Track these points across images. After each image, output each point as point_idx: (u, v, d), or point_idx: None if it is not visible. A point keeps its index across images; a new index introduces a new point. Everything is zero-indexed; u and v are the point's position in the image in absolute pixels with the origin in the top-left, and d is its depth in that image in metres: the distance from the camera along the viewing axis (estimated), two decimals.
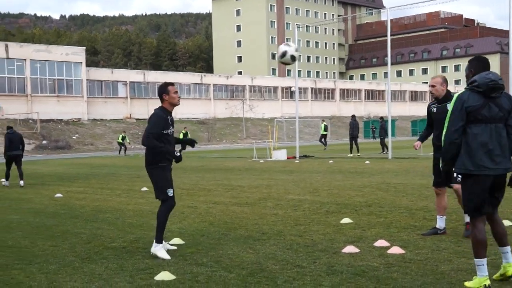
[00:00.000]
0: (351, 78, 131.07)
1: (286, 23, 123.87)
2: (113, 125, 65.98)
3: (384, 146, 32.49)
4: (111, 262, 6.73)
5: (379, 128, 33.18)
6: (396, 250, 6.81)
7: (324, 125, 42.27)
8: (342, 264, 6.25)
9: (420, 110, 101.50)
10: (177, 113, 73.14)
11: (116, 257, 6.98)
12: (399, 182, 15.29)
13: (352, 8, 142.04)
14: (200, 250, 7.26)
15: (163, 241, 7.15)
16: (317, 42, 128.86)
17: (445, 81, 7.79)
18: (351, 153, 31.76)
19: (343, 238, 7.77)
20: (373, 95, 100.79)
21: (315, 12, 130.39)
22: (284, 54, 7.95)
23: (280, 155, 30.14)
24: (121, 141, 44.05)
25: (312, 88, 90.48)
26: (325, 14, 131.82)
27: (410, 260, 6.35)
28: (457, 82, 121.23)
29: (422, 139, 8.43)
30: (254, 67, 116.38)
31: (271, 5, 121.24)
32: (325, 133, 41.96)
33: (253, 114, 78.86)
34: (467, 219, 7.50)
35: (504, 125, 5.17)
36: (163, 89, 7.25)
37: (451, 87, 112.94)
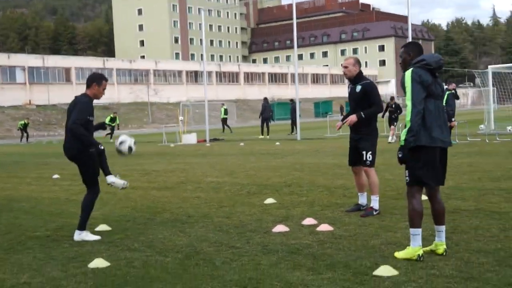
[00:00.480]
0: (254, 61, 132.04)
1: (188, 7, 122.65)
2: (12, 112, 63.10)
3: (293, 127, 33.04)
4: (38, 252, 6.45)
5: (290, 110, 33.65)
6: (324, 227, 6.95)
7: (224, 109, 42.27)
8: (276, 243, 6.31)
9: (321, 92, 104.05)
10: None
11: (42, 247, 6.70)
12: (312, 162, 15.60)
13: None
14: (129, 236, 7.11)
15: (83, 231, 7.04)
16: (219, 26, 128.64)
17: (357, 62, 7.97)
18: (262, 135, 32.03)
19: (271, 218, 7.84)
20: (276, 78, 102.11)
21: None
22: (122, 142, 7.86)
23: (190, 138, 29.98)
24: (21, 127, 42.29)
25: (216, 72, 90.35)
26: None
27: (340, 236, 6.50)
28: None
29: (344, 119, 8.56)
30: (157, 51, 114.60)
31: None
32: (225, 116, 41.93)
33: (158, 99, 77.89)
34: (374, 204, 7.75)
35: (441, 102, 5.45)
36: (97, 80, 7.08)
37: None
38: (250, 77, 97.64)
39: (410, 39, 25.83)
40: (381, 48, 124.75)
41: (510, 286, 4.45)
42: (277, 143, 25.43)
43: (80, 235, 6.95)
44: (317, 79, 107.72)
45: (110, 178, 7.40)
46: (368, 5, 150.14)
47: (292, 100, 33.33)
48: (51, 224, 8.14)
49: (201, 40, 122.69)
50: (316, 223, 7.25)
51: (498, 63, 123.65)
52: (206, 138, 30.80)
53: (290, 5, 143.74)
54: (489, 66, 27.41)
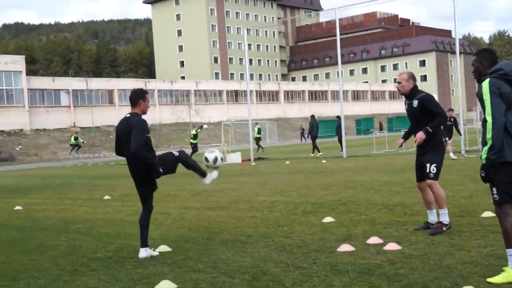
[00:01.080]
0: (293, 79, 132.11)
1: (227, 26, 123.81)
2: (57, 134, 64.28)
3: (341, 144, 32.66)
4: (102, 273, 6.41)
5: (336, 127, 33.27)
6: (392, 246, 6.73)
7: (258, 128, 42.14)
8: (344, 263, 6.12)
9: (362, 109, 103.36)
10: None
11: (106, 268, 6.66)
12: (363, 180, 15.34)
13: (291, 11, 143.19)
14: (191, 257, 7.01)
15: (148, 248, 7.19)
16: (258, 45, 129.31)
17: (411, 77, 7.73)
18: (313, 153, 31.48)
19: (333, 237, 7.65)
20: (316, 96, 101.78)
21: (255, 15, 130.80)
22: (207, 167, 7.84)
23: (235, 158, 29.99)
24: (74, 142, 44.77)
25: (256, 91, 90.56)
26: (265, 16, 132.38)
27: (411, 256, 6.28)
28: (396, 80, 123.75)
29: (406, 137, 8.30)
30: (197, 72, 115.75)
31: (211, 9, 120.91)
32: (258, 136, 41.71)
33: (200, 119, 78.37)
34: (443, 218, 7.46)
35: None
36: (141, 95, 7.15)
37: (391, 86, 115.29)
38: (290, 96, 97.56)
39: (457, 53, 25.44)
40: (422, 63, 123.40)
41: None
42: (323, 161, 25.19)
43: (147, 252, 7.07)
44: (357, 96, 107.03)
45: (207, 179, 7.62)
46: (408, 20, 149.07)
47: (338, 117, 32.94)
48: (111, 246, 8.11)
49: (240, 59, 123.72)
50: (382, 242, 7.04)
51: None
52: (250, 157, 30.74)
53: (328, 22, 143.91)
54: None
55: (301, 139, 67.35)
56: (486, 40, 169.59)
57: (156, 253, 7.20)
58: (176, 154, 7.26)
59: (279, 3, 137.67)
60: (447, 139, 21.12)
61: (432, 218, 7.78)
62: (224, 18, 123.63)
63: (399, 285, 5.17)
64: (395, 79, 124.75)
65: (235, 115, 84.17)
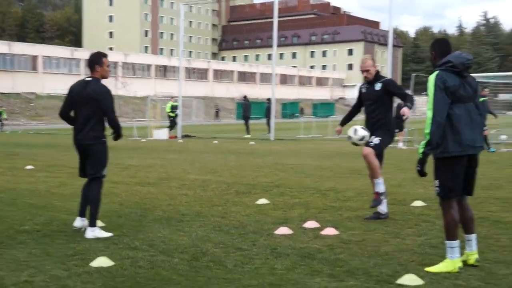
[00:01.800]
0: (223, 59, 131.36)
1: (160, 0, 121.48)
2: None
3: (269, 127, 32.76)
4: (32, 247, 6.09)
5: (265, 109, 33.36)
6: (329, 231, 6.75)
7: (172, 104, 40.57)
8: (284, 246, 6.08)
9: (289, 93, 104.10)
10: (45, 88, 69.65)
11: (35, 242, 6.34)
12: (294, 163, 15.42)
13: None
14: (126, 233, 6.79)
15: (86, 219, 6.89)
16: (190, 22, 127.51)
17: (374, 60, 7.67)
18: (248, 133, 31.22)
19: (269, 220, 7.61)
20: (245, 77, 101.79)
21: None
22: (348, 138, 7.65)
23: (162, 134, 29.56)
24: None
25: (186, 68, 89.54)
26: None
27: (349, 241, 6.31)
28: (323, 67, 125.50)
29: (343, 122, 8.26)
30: (126, 44, 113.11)
31: None
32: (170, 112, 39.96)
33: (126, 92, 76.83)
34: (378, 188, 7.45)
35: (473, 104, 5.20)
36: (97, 59, 6.79)
37: (318, 72, 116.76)
38: (219, 75, 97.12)
39: (390, 45, 25.95)
40: (350, 52, 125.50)
41: None
42: (252, 143, 25.22)
43: (93, 232, 6.60)
44: (285, 80, 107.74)
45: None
46: (339, 8, 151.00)
47: (269, 100, 32.94)
48: (39, 218, 7.75)
49: (171, 34, 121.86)
50: (319, 226, 7.06)
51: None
52: (177, 134, 30.38)
53: (262, 4, 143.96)
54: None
55: (215, 118, 65.72)
56: (412, 34, 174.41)
57: (106, 234, 6.60)
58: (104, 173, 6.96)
59: None
60: (397, 130, 21.04)
61: (381, 187, 7.65)
62: None
63: (341, 270, 5.17)
64: (323, 66, 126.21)
65: (162, 90, 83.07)
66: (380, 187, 7.50)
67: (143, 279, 4.94)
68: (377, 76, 7.63)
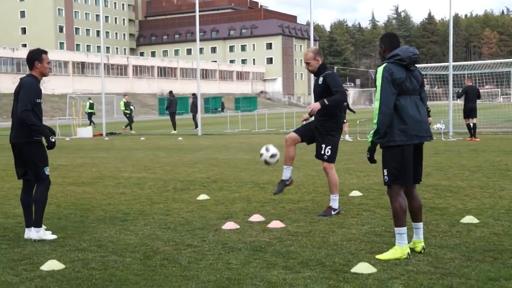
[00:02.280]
0: (142, 54, 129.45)
1: None
2: None
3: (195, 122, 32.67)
4: None
5: (191, 104, 33.22)
6: (276, 224, 6.85)
7: (90, 102, 40.13)
8: (234, 241, 6.12)
9: (210, 87, 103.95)
10: None
11: None
12: (226, 158, 15.47)
13: None
14: (71, 235, 6.64)
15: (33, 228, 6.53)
16: (107, 17, 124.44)
17: (317, 53, 7.62)
18: (174, 129, 30.92)
19: (214, 215, 7.63)
20: (165, 72, 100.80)
21: None
22: (260, 155, 7.55)
23: (86, 132, 28.89)
24: None
25: (105, 64, 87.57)
26: None
27: (296, 233, 6.43)
28: (243, 61, 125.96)
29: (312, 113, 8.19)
30: (40, 40, 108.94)
31: None
32: (91, 110, 39.35)
33: (43, 90, 73.92)
34: (333, 203, 7.48)
35: (419, 96, 5.42)
36: (36, 56, 6.54)
37: (239, 66, 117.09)
38: (139, 70, 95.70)
39: (312, 39, 26.38)
40: (269, 46, 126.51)
41: (491, 280, 4.56)
42: (180, 138, 25.07)
43: (38, 234, 6.39)
44: (206, 74, 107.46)
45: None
46: (257, 3, 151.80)
47: (194, 95, 32.79)
48: None
49: (87, 30, 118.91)
50: (265, 220, 7.15)
51: (376, 64, 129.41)
52: (102, 132, 29.78)
53: None
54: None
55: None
56: (328, 28, 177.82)
57: (51, 236, 6.46)
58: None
59: None
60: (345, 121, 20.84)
61: (287, 174, 7.70)
62: None
63: (295, 262, 5.27)
64: (243, 60, 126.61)
65: (80, 87, 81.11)
66: (336, 203, 7.48)
67: (99, 280, 4.86)
68: (321, 70, 7.61)
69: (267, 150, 7.60)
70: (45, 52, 6.66)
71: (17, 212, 8.12)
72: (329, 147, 7.49)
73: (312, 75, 8.02)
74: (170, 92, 32.51)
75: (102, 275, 5.01)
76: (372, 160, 5.45)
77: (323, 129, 7.54)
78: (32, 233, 6.42)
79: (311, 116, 7.61)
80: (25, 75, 6.63)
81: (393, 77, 5.22)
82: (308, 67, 7.67)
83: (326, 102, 7.25)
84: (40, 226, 6.47)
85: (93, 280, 4.87)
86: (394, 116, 5.25)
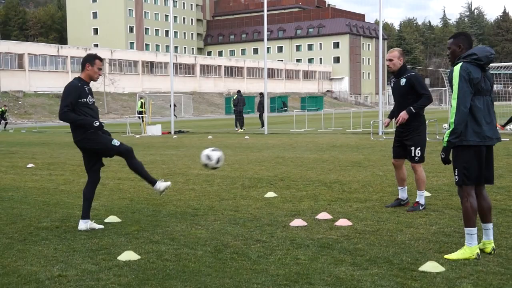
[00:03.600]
0: (209, 54, 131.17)
1: None
2: None
3: (262, 121, 33.07)
4: (56, 243, 6.22)
5: (258, 104, 33.59)
6: (343, 222, 6.93)
7: (141, 101, 40.66)
8: (302, 238, 6.25)
9: (277, 86, 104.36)
10: (32, 86, 69.28)
11: (58, 238, 6.47)
12: (293, 156, 15.60)
13: None
14: (145, 228, 6.93)
15: (89, 220, 7.03)
16: (175, 17, 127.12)
17: (402, 54, 7.73)
18: (236, 127, 31.52)
19: (281, 212, 7.78)
20: (232, 72, 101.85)
21: None
22: (205, 165, 7.56)
23: (155, 130, 29.63)
24: None
25: (173, 63, 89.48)
26: None
27: (364, 232, 6.49)
28: (310, 60, 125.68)
29: (391, 116, 8.18)
30: (111, 40, 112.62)
31: None
32: (141, 109, 40.04)
33: (114, 89, 76.56)
34: (420, 199, 7.69)
35: (490, 97, 5.40)
36: (90, 59, 6.95)
37: (305, 66, 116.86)
38: (206, 70, 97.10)
39: (380, 38, 26.15)
40: (336, 45, 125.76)
41: None
42: (246, 137, 25.37)
43: (86, 224, 6.85)
44: (272, 73, 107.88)
45: None
46: (324, 2, 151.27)
47: (261, 94, 33.08)
48: (55, 215, 7.88)
49: (156, 30, 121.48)
50: (332, 218, 7.24)
51: (447, 64, 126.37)
52: (171, 130, 30.46)
53: None
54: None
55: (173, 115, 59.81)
56: (397, 27, 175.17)
57: (99, 226, 6.94)
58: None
59: None
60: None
61: (403, 194, 7.98)
62: None
63: (363, 259, 5.35)
64: (309, 59, 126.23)
65: (149, 86, 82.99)
66: (423, 200, 7.71)
67: (173, 271, 5.09)
68: (403, 71, 7.67)
69: (209, 158, 7.50)
70: (100, 58, 7.01)
71: (94, 205, 8.48)
72: (418, 148, 7.64)
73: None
74: (238, 91, 32.91)
75: (176, 266, 5.24)
76: (447, 160, 5.43)
77: (408, 129, 7.63)
78: (80, 225, 6.89)
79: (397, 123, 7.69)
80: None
81: (470, 76, 5.18)
82: (390, 64, 7.67)
83: (413, 110, 7.40)
84: (86, 218, 6.92)
85: (167, 271, 5.10)
86: (469, 116, 5.24)
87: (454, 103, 5.22)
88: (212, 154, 7.47)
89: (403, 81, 7.62)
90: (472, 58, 5.23)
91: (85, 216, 6.95)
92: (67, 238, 6.47)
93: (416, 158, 7.67)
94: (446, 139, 5.31)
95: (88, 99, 6.86)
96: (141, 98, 42.55)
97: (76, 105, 6.74)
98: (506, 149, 16.31)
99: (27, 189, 10.56)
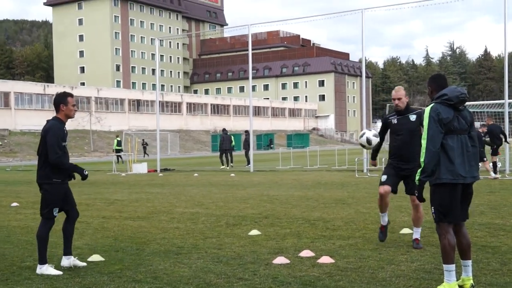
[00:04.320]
0: (195, 92, 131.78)
1: (131, 35, 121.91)
2: None
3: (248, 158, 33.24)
4: (38, 282, 6.21)
5: (243, 141, 33.78)
6: (325, 259, 6.98)
7: (117, 140, 42.62)
8: (284, 275, 6.29)
9: (263, 124, 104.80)
10: (18, 124, 69.13)
11: (40, 278, 6.45)
12: (278, 194, 15.66)
13: (196, 24, 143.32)
14: (128, 267, 6.93)
15: (71, 256, 7.01)
16: (162, 56, 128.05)
17: (405, 92, 7.97)
18: (222, 165, 31.81)
19: (264, 250, 7.81)
20: (218, 110, 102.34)
21: (160, 25, 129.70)
22: (362, 135, 7.60)
23: (141, 168, 29.60)
24: None
25: (159, 101, 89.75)
26: (169, 28, 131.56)
27: (345, 269, 6.54)
28: (296, 98, 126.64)
29: (375, 156, 8.36)
30: (98, 79, 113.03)
31: (115, 16, 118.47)
32: (118, 147, 42.00)
33: (100, 127, 76.52)
34: (416, 235, 7.78)
35: (468, 136, 5.51)
36: (62, 99, 6.95)
37: (291, 103, 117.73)
38: (193, 108, 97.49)
39: (363, 76, 26.57)
40: (321, 83, 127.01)
41: None
42: (232, 175, 25.42)
43: (40, 270, 6.71)
44: (258, 111, 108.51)
45: None
46: (309, 41, 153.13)
47: (246, 132, 33.35)
48: (36, 254, 7.84)
49: (143, 68, 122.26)
50: (314, 255, 7.28)
51: (430, 102, 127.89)
52: (157, 168, 30.45)
53: (232, 38, 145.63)
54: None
55: (144, 154, 56.67)
56: (381, 65, 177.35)
57: (55, 272, 6.69)
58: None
59: (184, 15, 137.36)
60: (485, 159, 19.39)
61: (386, 219, 8.09)
62: (129, 26, 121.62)
63: None
64: (295, 97, 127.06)
65: (135, 124, 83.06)
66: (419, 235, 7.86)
67: None
68: (408, 107, 7.83)
69: (369, 130, 7.56)
70: (71, 95, 7.06)
71: (77, 244, 8.50)
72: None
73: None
74: (224, 130, 33.11)
75: None
76: (420, 198, 5.58)
77: (415, 167, 7.59)
78: (37, 269, 6.73)
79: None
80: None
81: (439, 117, 5.33)
82: (399, 103, 7.75)
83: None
84: (44, 263, 6.75)
85: None
86: (442, 155, 5.36)
87: (424, 142, 5.34)
88: (372, 139, 7.37)
89: (413, 117, 7.69)
90: (443, 99, 5.40)
91: (66, 252, 7.00)
92: (49, 277, 6.45)
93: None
94: (417, 177, 5.43)
95: (66, 143, 6.95)
96: (117, 136, 43.14)
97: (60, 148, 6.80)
98: (488, 185, 16.50)
99: (10, 228, 10.51)
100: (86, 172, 6.97)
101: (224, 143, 31.68)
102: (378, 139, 7.00)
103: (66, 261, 6.93)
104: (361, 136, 7.18)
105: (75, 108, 7.11)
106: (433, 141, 5.30)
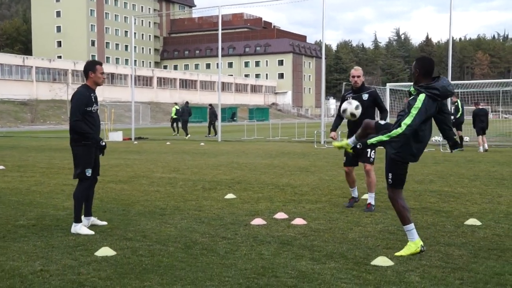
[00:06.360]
0: (165, 67, 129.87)
1: (106, 12, 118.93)
2: None
3: (210, 129, 33.18)
4: (35, 240, 6.04)
5: (209, 113, 33.61)
6: (299, 221, 6.98)
7: (176, 108, 36.59)
8: (263, 235, 6.26)
9: (227, 99, 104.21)
10: None
11: (36, 235, 6.28)
12: (246, 162, 15.60)
13: (167, 4, 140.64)
14: (117, 226, 6.81)
15: (92, 216, 6.82)
16: (135, 33, 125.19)
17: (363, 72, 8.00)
18: (175, 132, 32.23)
19: (242, 212, 7.77)
20: (186, 84, 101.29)
21: (133, 4, 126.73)
22: (344, 111, 7.40)
23: (117, 136, 29.13)
24: None
25: (131, 75, 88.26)
26: (142, 7, 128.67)
27: (318, 230, 6.56)
28: (257, 76, 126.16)
29: (335, 128, 8.36)
30: (74, 53, 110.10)
31: None
32: (175, 117, 36.20)
33: None
34: (370, 200, 7.87)
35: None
36: (91, 67, 6.68)
37: (253, 80, 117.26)
38: (163, 82, 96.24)
39: (323, 57, 26.48)
40: (280, 62, 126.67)
41: (497, 275, 4.67)
42: (202, 144, 25.24)
43: (75, 228, 6.45)
44: (223, 87, 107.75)
45: None
46: (270, 23, 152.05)
47: (211, 105, 33.22)
48: (30, 214, 7.64)
49: (116, 44, 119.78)
50: (288, 217, 7.28)
51: (378, 82, 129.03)
52: (132, 137, 30.03)
53: (200, 18, 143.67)
54: (387, 84, 28.72)
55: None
56: (334, 47, 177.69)
57: (87, 231, 6.39)
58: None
59: None
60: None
61: (356, 193, 8.24)
62: (103, 5, 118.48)
63: (320, 254, 5.40)
64: (256, 75, 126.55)
65: (109, 96, 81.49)
66: (373, 200, 7.88)
67: (148, 266, 5.02)
68: (363, 87, 7.89)
69: (349, 103, 7.52)
70: (100, 63, 6.81)
71: (66, 205, 8.33)
72: (373, 150, 7.79)
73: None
74: (186, 103, 33.20)
75: (151, 261, 5.16)
76: (359, 152, 5.88)
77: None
78: (72, 227, 6.49)
79: None
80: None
81: (427, 112, 5.17)
82: (358, 80, 7.82)
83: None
84: (79, 221, 6.50)
85: (143, 266, 5.02)
86: (411, 140, 5.28)
87: (403, 127, 5.08)
88: (352, 101, 7.00)
89: (365, 96, 7.78)
90: (433, 93, 5.15)
91: (87, 213, 6.80)
92: (44, 235, 6.29)
93: (371, 159, 7.83)
94: (372, 141, 5.19)
95: (93, 108, 6.62)
96: (176, 104, 39.74)
97: (82, 113, 6.52)
98: (433, 157, 16.78)
99: (0, 189, 10.21)
100: (103, 143, 6.66)
101: (184, 115, 31.95)
102: (361, 110, 6.90)
103: (86, 221, 6.72)
104: (344, 111, 6.94)
105: (104, 76, 6.84)
106: (412, 126, 5.07)
